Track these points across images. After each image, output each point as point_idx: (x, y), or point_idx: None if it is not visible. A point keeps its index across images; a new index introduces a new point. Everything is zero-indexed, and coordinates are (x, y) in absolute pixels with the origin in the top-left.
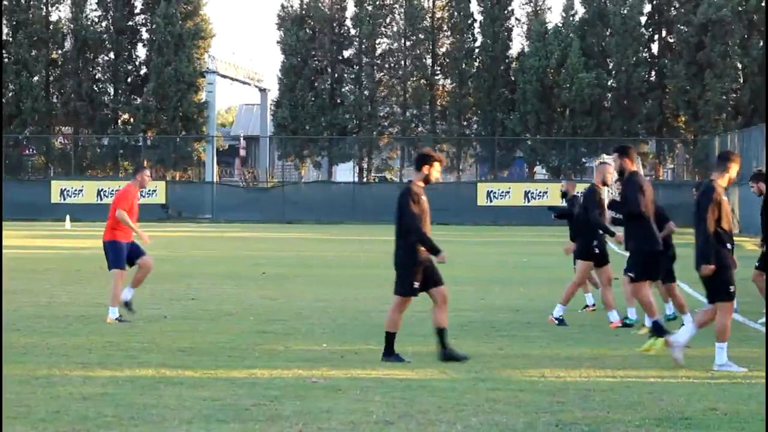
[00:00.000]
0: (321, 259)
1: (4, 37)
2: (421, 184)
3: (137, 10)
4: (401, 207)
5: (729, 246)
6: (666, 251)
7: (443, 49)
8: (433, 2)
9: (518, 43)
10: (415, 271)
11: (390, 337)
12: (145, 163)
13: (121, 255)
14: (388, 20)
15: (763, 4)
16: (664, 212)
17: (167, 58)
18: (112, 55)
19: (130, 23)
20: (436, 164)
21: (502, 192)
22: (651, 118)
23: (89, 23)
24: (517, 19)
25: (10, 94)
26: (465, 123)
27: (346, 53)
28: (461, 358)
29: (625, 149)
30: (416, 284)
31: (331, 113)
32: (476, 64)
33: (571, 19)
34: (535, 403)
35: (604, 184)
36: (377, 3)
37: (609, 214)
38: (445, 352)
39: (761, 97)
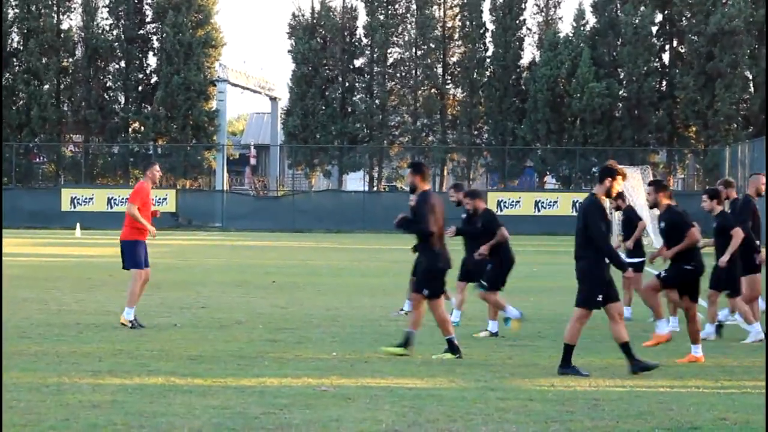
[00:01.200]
0: (331, 267)
1: (15, 45)
2: (604, 197)
3: (148, 19)
4: (587, 219)
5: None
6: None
7: (454, 59)
8: (445, 12)
9: (529, 52)
10: (600, 285)
11: (568, 350)
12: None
13: (139, 254)
14: (399, 29)
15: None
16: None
17: (178, 66)
18: (122, 63)
19: (141, 32)
20: (619, 178)
21: (513, 201)
22: (661, 127)
23: (100, 32)
24: (528, 28)
25: (21, 102)
26: (476, 132)
27: (358, 62)
28: (652, 366)
29: (418, 166)
30: (600, 297)
31: (341, 122)
32: (487, 73)
33: (582, 28)
34: (544, 413)
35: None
36: (389, 12)
37: None
38: (636, 365)
39: None
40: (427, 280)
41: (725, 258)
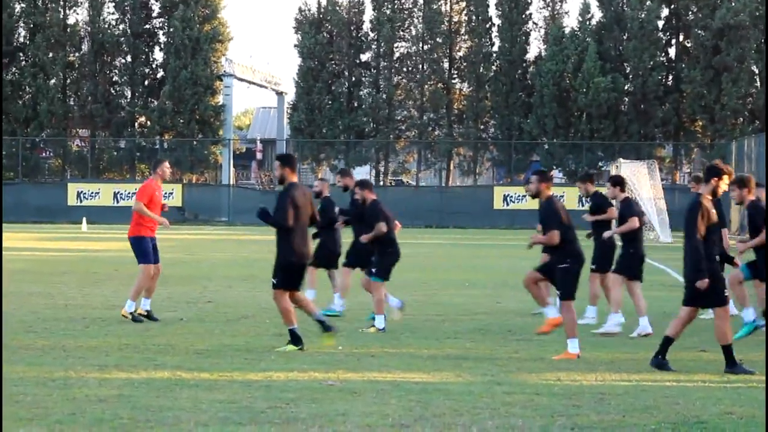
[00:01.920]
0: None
1: (22, 40)
2: (710, 197)
3: (155, 14)
4: (687, 221)
5: None
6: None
7: (461, 53)
8: (452, 6)
9: (535, 47)
10: (712, 280)
11: (727, 351)
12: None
13: (147, 249)
14: (406, 24)
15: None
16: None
17: (184, 61)
18: (129, 58)
19: (148, 26)
20: (725, 177)
21: (519, 196)
22: (667, 122)
23: (106, 26)
24: (534, 23)
25: (27, 97)
26: (482, 127)
27: (364, 57)
28: (749, 372)
29: (287, 158)
30: (727, 292)
31: (348, 117)
32: (494, 68)
33: (587, 23)
34: (550, 407)
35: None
36: (396, 7)
37: None
38: (734, 367)
39: None
40: (280, 272)
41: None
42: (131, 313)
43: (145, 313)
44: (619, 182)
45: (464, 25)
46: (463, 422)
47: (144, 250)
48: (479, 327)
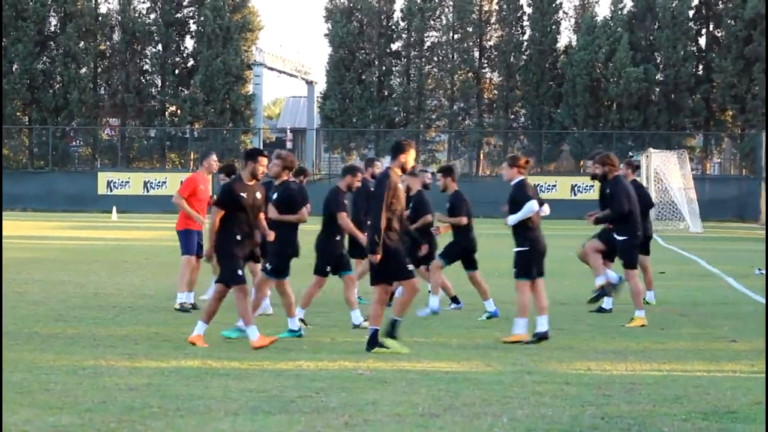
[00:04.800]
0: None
1: (53, 29)
2: None
3: (185, 3)
4: None
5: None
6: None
7: (491, 42)
8: None
9: (566, 36)
10: None
11: None
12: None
13: (192, 243)
14: (437, 13)
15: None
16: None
17: (215, 50)
18: (160, 47)
19: (179, 15)
20: None
21: (549, 185)
22: (698, 112)
23: (137, 15)
24: (564, 12)
25: (58, 86)
26: (512, 116)
27: (394, 46)
28: None
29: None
30: None
31: (378, 106)
32: (524, 57)
33: (619, 12)
34: (580, 397)
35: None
36: None
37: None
38: None
39: None
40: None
41: None
42: (180, 304)
43: (190, 306)
44: (449, 172)
45: (495, 14)
46: (492, 411)
47: (188, 243)
48: (509, 316)
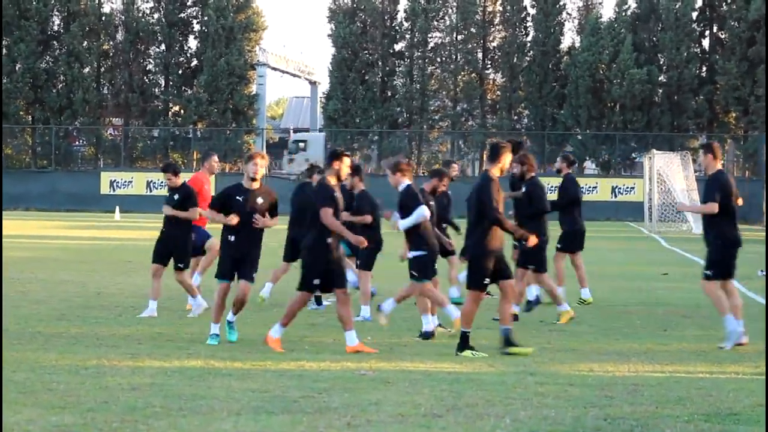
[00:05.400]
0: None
1: (56, 28)
2: None
3: (189, 2)
4: None
5: None
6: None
7: (495, 43)
8: None
9: (569, 37)
10: None
11: None
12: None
13: (199, 238)
14: (440, 14)
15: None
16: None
17: (219, 50)
18: (163, 47)
19: (182, 15)
20: None
21: (552, 187)
22: (701, 114)
23: (141, 15)
24: (568, 13)
25: (62, 85)
26: (515, 117)
27: (398, 47)
28: None
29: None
30: None
31: (381, 106)
32: (527, 58)
33: (623, 14)
34: (583, 398)
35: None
36: None
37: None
38: None
39: None
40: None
41: None
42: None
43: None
44: (356, 171)
45: (498, 15)
46: (495, 412)
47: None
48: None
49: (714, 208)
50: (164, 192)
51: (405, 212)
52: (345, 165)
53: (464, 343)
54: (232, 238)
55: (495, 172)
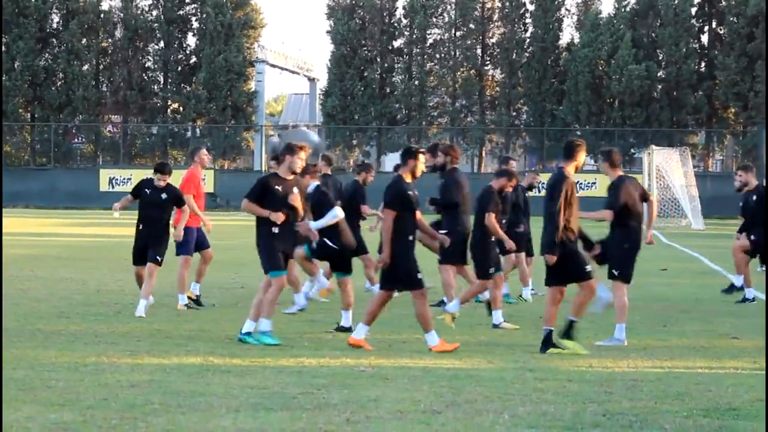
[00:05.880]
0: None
1: (55, 26)
2: None
3: (188, 0)
4: None
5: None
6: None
7: (493, 40)
8: None
9: (568, 33)
10: None
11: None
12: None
13: (188, 240)
14: (439, 10)
15: None
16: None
17: (217, 47)
18: (162, 44)
19: (181, 12)
20: None
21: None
22: (700, 109)
23: (139, 12)
24: (567, 9)
25: (61, 83)
26: (514, 113)
27: (396, 43)
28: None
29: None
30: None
31: (380, 103)
32: (526, 54)
33: (622, 10)
34: (582, 393)
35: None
36: None
37: None
38: None
39: None
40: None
41: None
42: (185, 305)
43: (195, 297)
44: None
45: (497, 11)
46: (494, 408)
47: (186, 240)
48: (511, 313)
49: (610, 215)
50: None
51: (319, 212)
52: (420, 162)
53: (569, 330)
54: (276, 230)
55: (570, 169)
